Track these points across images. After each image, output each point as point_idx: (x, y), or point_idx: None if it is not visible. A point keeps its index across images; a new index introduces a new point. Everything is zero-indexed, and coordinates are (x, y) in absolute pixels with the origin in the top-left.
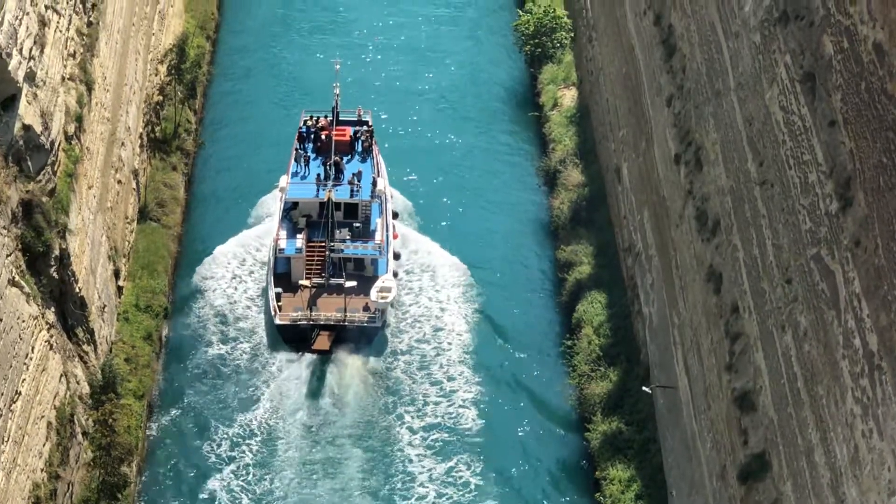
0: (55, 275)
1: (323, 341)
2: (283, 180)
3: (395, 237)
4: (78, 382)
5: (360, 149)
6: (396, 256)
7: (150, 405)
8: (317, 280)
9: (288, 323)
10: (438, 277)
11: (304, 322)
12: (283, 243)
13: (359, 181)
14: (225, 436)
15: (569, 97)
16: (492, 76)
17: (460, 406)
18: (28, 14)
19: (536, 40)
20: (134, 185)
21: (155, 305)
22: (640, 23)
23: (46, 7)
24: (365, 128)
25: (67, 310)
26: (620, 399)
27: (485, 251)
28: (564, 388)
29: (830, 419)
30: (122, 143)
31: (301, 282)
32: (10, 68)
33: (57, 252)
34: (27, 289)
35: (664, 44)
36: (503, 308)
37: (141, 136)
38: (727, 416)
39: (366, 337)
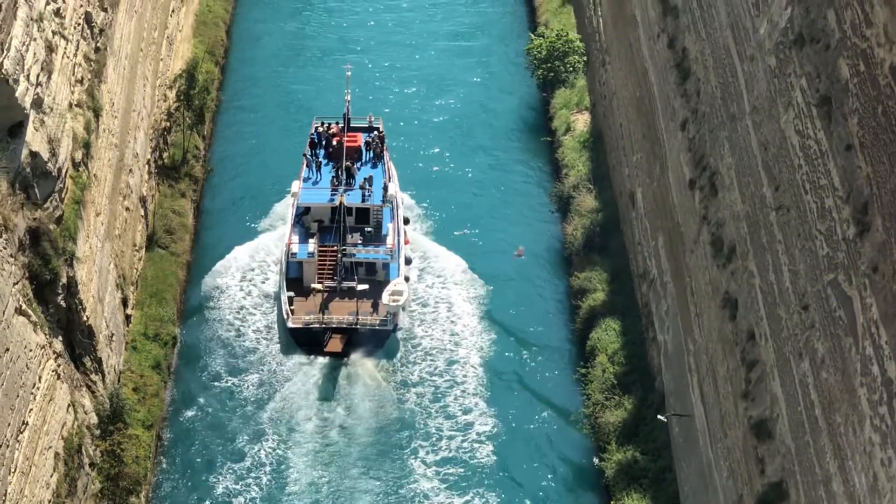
0: (62, 303)
1: (335, 343)
2: (295, 185)
3: (406, 242)
4: (86, 412)
5: (371, 154)
6: (408, 261)
7: (158, 435)
8: (329, 283)
9: (301, 326)
10: (455, 308)
11: (317, 325)
12: (295, 248)
13: (370, 186)
14: (234, 466)
15: (582, 122)
16: (503, 101)
17: (475, 440)
18: (35, 40)
19: (549, 64)
20: (142, 213)
21: (163, 334)
22: (654, 46)
23: (54, 33)
24: (376, 133)
25: (75, 339)
26: (635, 428)
27: (497, 278)
28: (579, 416)
29: (849, 448)
30: (130, 170)
31: (313, 285)
32: (17, 94)
33: (64, 280)
34: (34, 317)
35: (678, 67)
36: (517, 337)
37: (149, 163)
38: (744, 445)
39: (378, 340)
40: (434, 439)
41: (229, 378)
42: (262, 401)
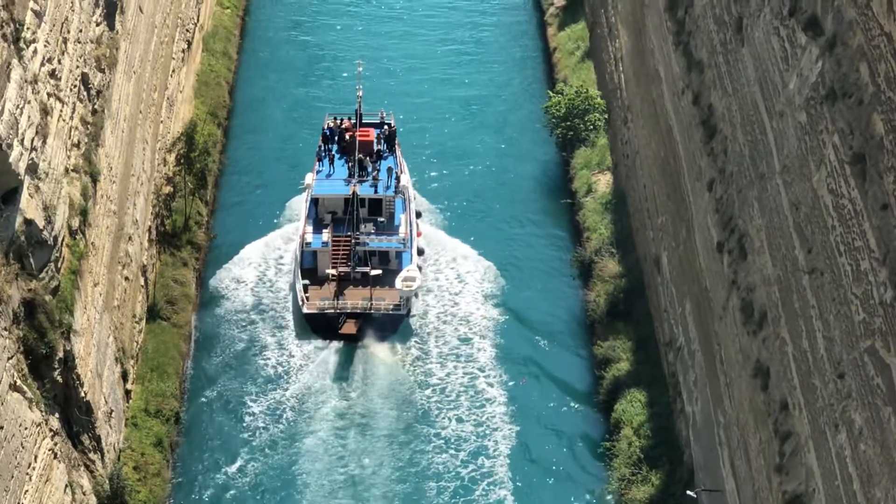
0: (59, 378)
1: (350, 326)
2: (309, 178)
3: (418, 235)
4: (84, 493)
5: (383, 148)
6: (420, 252)
7: None
8: (343, 268)
9: (316, 311)
10: (481, 394)
11: (332, 311)
12: (309, 237)
13: (390, 177)
14: None
15: (603, 182)
16: (521, 161)
17: None
18: (30, 103)
19: (568, 123)
20: (142, 282)
21: (165, 410)
22: (679, 103)
23: (49, 95)
24: (387, 128)
25: (72, 415)
26: None
27: (517, 348)
28: (604, 493)
29: None
30: (130, 238)
31: (328, 270)
32: (10, 160)
33: (61, 354)
34: (30, 394)
35: (704, 124)
36: (538, 411)
37: (149, 230)
38: None
39: (391, 324)
40: None
41: (230, 468)
42: (271, 488)
